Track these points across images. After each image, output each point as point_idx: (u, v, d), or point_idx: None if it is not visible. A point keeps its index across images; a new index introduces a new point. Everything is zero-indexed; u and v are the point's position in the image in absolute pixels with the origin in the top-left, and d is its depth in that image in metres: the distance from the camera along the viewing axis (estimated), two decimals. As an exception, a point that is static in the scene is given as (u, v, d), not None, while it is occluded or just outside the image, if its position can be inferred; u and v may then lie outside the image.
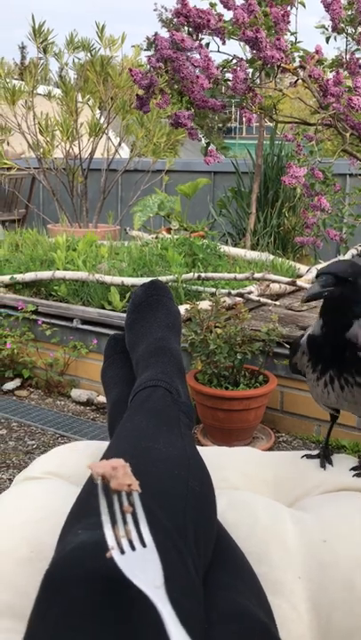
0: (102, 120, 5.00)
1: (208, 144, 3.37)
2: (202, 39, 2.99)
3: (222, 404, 2.25)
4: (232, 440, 2.33)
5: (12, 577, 0.78)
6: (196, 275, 3.03)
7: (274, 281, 3.12)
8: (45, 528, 0.86)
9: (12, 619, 0.73)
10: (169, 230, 4.20)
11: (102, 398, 3.08)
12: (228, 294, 2.90)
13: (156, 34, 3.12)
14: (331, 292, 0.97)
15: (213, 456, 1.17)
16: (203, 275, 3.05)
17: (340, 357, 1.02)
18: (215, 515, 0.85)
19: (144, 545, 0.59)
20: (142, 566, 0.56)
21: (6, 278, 3.41)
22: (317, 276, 0.99)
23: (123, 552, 0.57)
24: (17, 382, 3.23)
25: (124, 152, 5.81)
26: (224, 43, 3.23)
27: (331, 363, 1.05)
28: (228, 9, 3.05)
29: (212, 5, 2.89)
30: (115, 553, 0.57)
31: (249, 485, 1.14)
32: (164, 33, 3.15)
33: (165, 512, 0.69)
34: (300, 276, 3.43)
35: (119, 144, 5.32)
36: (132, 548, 0.58)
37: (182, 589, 0.62)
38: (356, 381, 1.02)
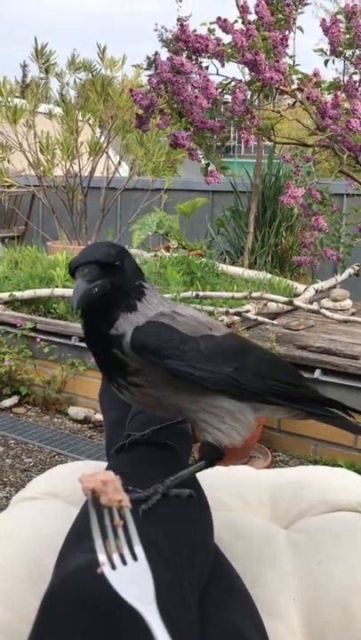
0: (102, 139, 5.05)
1: (208, 164, 3.41)
2: (201, 62, 3.04)
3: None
4: (228, 459, 2.32)
5: (10, 596, 0.79)
6: (195, 293, 3.05)
7: (271, 300, 3.14)
8: (44, 548, 0.86)
9: (12, 638, 0.74)
10: (168, 248, 4.23)
11: (99, 416, 3.08)
12: (226, 313, 2.92)
13: (156, 53, 3.17)
14: (102, 287, 0.81)
15: (208, 475, 1.18)
16: (201, 293, 3.07)
17: (106, 357, 0.88)
18: (212, 535, 0.86)
19: (135, 559, 0.59)
20: (134, 581, 0.56)
21: (5, 295, 3.42)
22: (76, 269, 0.82)
23: (114, 567, 0.58)
24: (14, 399, 3.24)
25: (124, 170, 5.87)
26: (223, 65, 3.29)
27: (101, 363, 0.91)
28: (227, 33, 3.11)
29: (211, 31, 2.95)
30: (106, 569, 0.57)
31: (244, 506, 1.14)
32: (165, 53, 3.20)
33: (161, 532, 0.70)
34: (297, 295, 3.46)
35: (119, 163, 5.37)
36: (124, 562, 0.58)
37: (175, 606, 0.63)
38: (129, 382, 0.87)
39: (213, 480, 1.14)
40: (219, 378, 0.85)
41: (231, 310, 2.94)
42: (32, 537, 0.92)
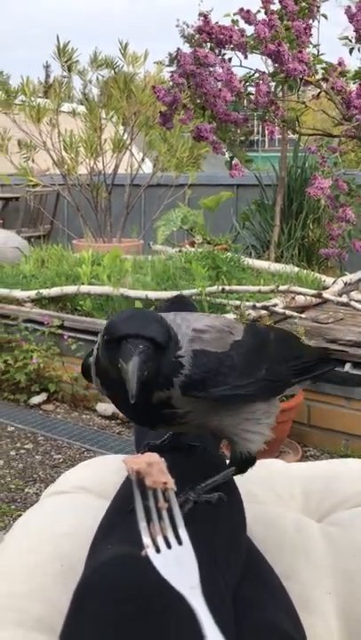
0: (125, 136, 5.06)
1: (232, 158, 3.39)
2: (224, 54, 3.02)
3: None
4: (258, 454, 2.31)
5: (43, 590, 0.79)
6: (220, 287, 3.03)
7: (299, 293, 3.10)
8: (75, 542, 0.86)
9: (46, 632, 0.74)
10: (192, 244, 4.22)
11: (128, 412, 3.08)
12: (253, 307, 2.89)
13: (178, 49, 3.16)
14: (150, 369, 0.69)
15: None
16: (227, 287, 3.05)
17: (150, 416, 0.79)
18: (245, 533, 0.85)
19: (180, 542, 0.58)
20: (178, 565, 0.55)
21: (32, 293, 3.45)
22: (125, 339, 0.69)
23: (158, 550, 0.57)
24: (43, 396, 3.26)
25: (147, 167, 5.87)
26: (246, 57, 3.26)
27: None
28: (250, 24, 3.08)
29: (235, 22, 2.92)
30: (150, 551, 0.56)
31: (276, 499, 1.13)
32: (187, 49, 3.19)
33: (196, 531, 0.69)
34: (325, 288, 3.41)
35: (142, 159, 5.37)
36: (168, 545, 0.58)
37: (214, 595, 0.61)
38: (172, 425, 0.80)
39: (246, 474, 1.12)
40: (259, 387, 0.79)
41: (258, 304, 2.92)
42: (63, 531, 0.92)
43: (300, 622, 0.79)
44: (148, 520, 0.59)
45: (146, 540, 0.57)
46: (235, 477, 0.93)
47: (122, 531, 0.70)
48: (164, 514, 0.59)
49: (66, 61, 4.57)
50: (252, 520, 0.95)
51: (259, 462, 1.26)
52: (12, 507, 2.23)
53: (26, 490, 2.36)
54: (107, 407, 3.12)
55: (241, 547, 0.81)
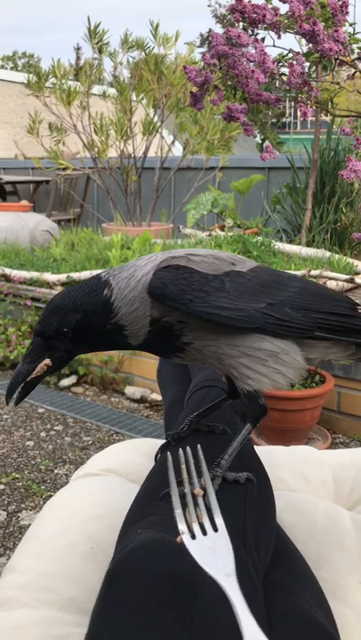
0: (156, 118, 5.02)
1: (263, 140, 3.33)
2: (257, 34, 2.95)
3: (277, 404, 2.22)
4: (287, 440, 2.29)
5: (75, 572, 0.79)
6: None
7: (331, 278, 3.05)
8: (105, 524, 0.86)
9: (77, 613, 0.74)
10: (222, 227, 4.18)
11: (156, 396, 3.09)
12: (283, 292, 2.85)
13: (210, 30, 3.11)
14: (50, 368, 0.79)
15: (269, 456, 1.15)
16: (257, 272, 3.01)
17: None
18: (274, 518, 0.84)
19: (216, 529, 0.58)
20: (213, 552, 0.55)
21: (63, 277, 3.47)
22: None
23: (194, 537, 0.57)
24: (73, 379, 3.29)
25: (177, 150, 5.82)
26: (279, 37, 3.18)
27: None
28: (284, 2, 3.00)
29: (268, 0, 2.85)
30: (185, 538, 0.56)
31: (306, 487, 1.12)
32: (218, 29, 3.13)
33: (225, 515, 0.69)
34: (358, 274, 3.35)
35: (173, 142, 5.32)
36: (204, 532, 0.57)
37: (247, 582, 0.61)
38: (179, 347, 0.83)
39: (275, 460, 1.12)
40: (250, 315, 0.78)
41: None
42: (93, 513, 0.93)
43: (331, 611, 0.78)
44: (184, 507, 0.59)
45: (181, 526, 0.57)
46: (264, 464, 0.92)
47: (152, 516, 0.70)
48: (200, 500, 0.59)
49: (97, 43, 4.54)
50: (283, 507, 0.94)
51: (289, 449, 1.26)
52: (42, 487, 2.26)
53: (55, 471, 2.39)
54: (135, 390, 3.14)
55: (271, 532, 0.80)
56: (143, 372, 3.18)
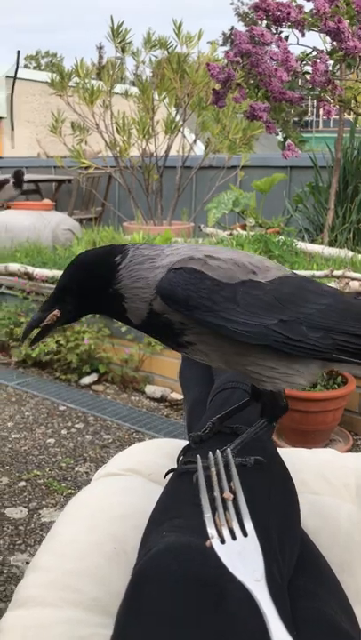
0: (178, 117, 5.02)
1: (285, 138, 3.31)
2: (281, 32, 2.94)
3: (298, 405, 2.21)
4: (308, 442, 2.28)
5: (99, 572, 0.80)
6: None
7: (354, 279, 3.02)
8: (128, 524, 0.87)
9: (101, 614, 0.74)
10: (244, 227, 4.17)
11: (176, 395, 3.09)
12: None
13: (232, 28, 3.11)
14: (58, 319, 0.83)
15: (292, 458, 1.14)
16: (279, 272, 3.00)
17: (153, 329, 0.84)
18: (299, 522, 0.83)
19: (245, 534, 0.57)
20: (242, 557, 0.55)
21: (84, 275, 3.48)
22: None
23: (223, 541, 0.57)
24: (93, 377, 3.31)
25: (199, 149, 5.82)
26: (303, 35, 3.16)
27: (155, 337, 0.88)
28: (308, 0, 2.98)
29: (293, -2, 2.83)
30: (215, 542, 0.56)
31: (330, 490, 1.10)
32: (241, 27, 3.12)
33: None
34: (380, 274, 3.31)
35: (194, 141, 5.32)
36: (233, 537, 0.57)
37: (274, 589, 0.61)
38: (179, 342, 0.82)
39: (297, 462, 1.11)
40: (258, 331, 0.75)
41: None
42: (115, 514, 0.93)
43: (354, 615, 0.78)
44: (213, 510, 0.59)
45: (211, 530, 0.57)
46: (288, 467, 0.92)
47: (177, 519, 0.70)
48: (230, 505, 0.59)
49: (120, 42, 4.55)
50: (306, 511, 0.94)
51: (311, 452, 1.25)
52: (63, 485, 2.28)
53: (76, 469, 2.40)
54: (155, 389, 3.14)
55: (296, 537, 0.80)
56: (163, 370, 3.18)
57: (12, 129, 11.67)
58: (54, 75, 4.91)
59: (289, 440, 2.36)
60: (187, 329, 0.78)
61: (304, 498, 0.99)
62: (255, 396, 0.92)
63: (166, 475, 0.86)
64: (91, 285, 0.82)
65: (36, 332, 0.84)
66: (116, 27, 4.56)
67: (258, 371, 0.80)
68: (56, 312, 0.83)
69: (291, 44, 3.05)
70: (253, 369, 0.80)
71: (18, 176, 6.09)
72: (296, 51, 3.09)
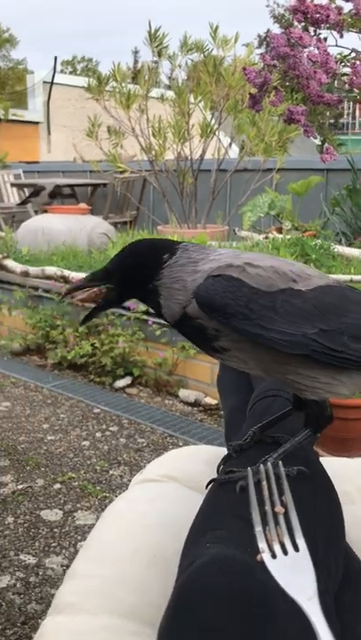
0: (213, 121, 5.01)
1: (323, 141, 3.27)
2: (319, 34, 2.90)
3: (338, 412, 2.16)
4: (346, 450, 2.24)
5: (136, 580, 0.79)
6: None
7: (392, 283, 2.96)
8: (165, 532, 0.86)
9: (138, 622, 0.74)
10: (280, 230, 4.13)
11: (210, 400, 3.08)
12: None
13: (268, 31, 3.07)
14: (100, 299, 0.86)
15: (333, 467, 1.12)
16: (315, 276, 2.96)
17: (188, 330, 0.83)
18: (343, 534, 0.81)
19: (297, 549, 0.56)
20: (294, 572, 0.54)
21: (119, 278, 3.50)
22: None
23: (274, 556, 0.55)
24: (127, 380, 3.32)
25: (233, 152, 5.80)
26: (342, 36, 3.12)
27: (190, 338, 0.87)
28: (347, 0, 2.94)
29: (332, 0, 2.79)
30: (266, 557, 0.55)
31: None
32: (277, 29, 3.10)
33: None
34: None
35: (230, 144, 5.30)
36: (285, 552, 0.56)
37: (326, 606, 0.59)
38: (214, 347, 0.81)
39: (339, 472, 1.08)
40: (297, 341, 0.74)
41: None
42: (153, 521, 0.92)
43: None
44: (264, 524, 0.57)
45: (262, 544, 0.56)
46: (330, 476, 0.90)
47: (219, 530, 0.68)
48: (281, 519, 0.58)
49: (156, 46, 4.57)
50: (349, 522, 0.91)
51: (352, 461, 1.22)
52: (98, 488, 2.28)
53: (110, 472, 2.41)
54: (189, 393, 3.13)
55: (341, 550, 0.78)
56: (197, 375, 3.17)
57: (49, 134, 11.84)
58: (91, 79, 4.96)
59: (328, 448, 2.32)
60: (221, 335, 0.78)
61: (347, 509, 0.96)
62: (297, 406, 0.90)
63: (208, 485, 0.84)
64: (134, 275, 0.84)
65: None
66: (153, 31, 4.58)
67: (299, 380, 0.79)
68: (98, 290, 0.85)
69: (329, 45, 3.01)
70: (294, 378, 0.79)
71: (55, 190, 6.25)
72: (333, 52, 3.05)
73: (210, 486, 0.84)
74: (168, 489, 1.04)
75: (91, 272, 0.87)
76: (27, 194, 7.04)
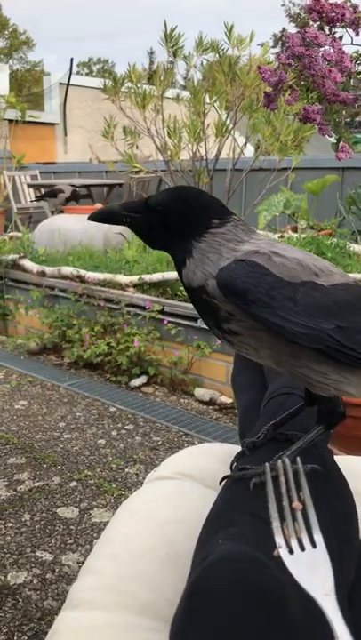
0: (228, 120, 5.00)
1: (339, 139, 3.26)
2: (335, 32, 2.89)
3: (351, 411, 2.16)
4: (360, 449, 2.23)
5: (151, 576, 0.80)
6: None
7: None
8: (180, 530, 0.87)
9: (153, 619, 0.75)
10: (295, 229, 4.12)
11: (225, 398, 3.09)
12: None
13: (283, 30, 3.07)
14: (133, 219, 0.82)
15: (347, 465, 1.12)
16: (331, 275, 2.95)
17: (199, 303, 0.82)
18: (358, 531, 0.81)
19: (314, 545, 0.56)
20: (311, 568, 0.54)
21: (135, 278, 3.52)
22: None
23: (291, 552, 0.56)
24: (143, 379, 3.33)
25: (249, 152, 5.78)
26: (358, 34, 3.10)
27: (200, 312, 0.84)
28: (363, -2, 2.92)
29: (348, -3, 2.78)
30: (283, 552, 0.55)
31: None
32: (292, 28, 3.08)
33: None
34: None
35: (245, 144, 5.29)
36: (302, 548, 0.56)
37: (342, 603, 0.60)
38: (224, 329, 0.80)
39: (352, 470, 1.08)
40: (314, 335, 0.74)
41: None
42: (167, 518, 0.93)
43: None
44: (282, 520, 0.58)
45: (279, 539, 0.56)
46: (344, 475, 0.90)
47: (232, 527, 0.69)
48: (299, 515, 0.58)
49: (172, 47, 4.58)
50: (362, 520, 0.91)
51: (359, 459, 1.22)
52: (113, 486, 2.30)
53: (126, 470, 2.42)
54: (204, 392, 3.14)
55: (354, 547, 0.78)
56: (212, 374, 3.17)
57: (65, 135, 11.90)
58: (107, 80, 4.98)
59: (341, 447, 2.32)
60: (233, 319, 0.77)
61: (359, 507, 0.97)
62: (309, 402, 0.91)
63: (221, 481, 0.85)
64: (175, 223, 0.81)
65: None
66: (168, 32, 4.58)
67: (308, 374, 0.79)
68: (135, 215, 0.82)
69: (345, 43, 3.00)
70: (304, 372, 0.79)
71: (73, 194, 6.30)
72: (349, 50, 3.04)
73: (223, 483, 0.85)
74: (183, 486, 1.04)
75: (127, 201, 0.84)
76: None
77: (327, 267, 0.81)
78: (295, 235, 3.79)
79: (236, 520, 0.71)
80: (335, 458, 1.06)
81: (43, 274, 3.98)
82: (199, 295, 0.79)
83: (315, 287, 0.76)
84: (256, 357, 0.82)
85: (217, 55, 4.75)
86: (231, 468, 0.91)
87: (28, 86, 26.14)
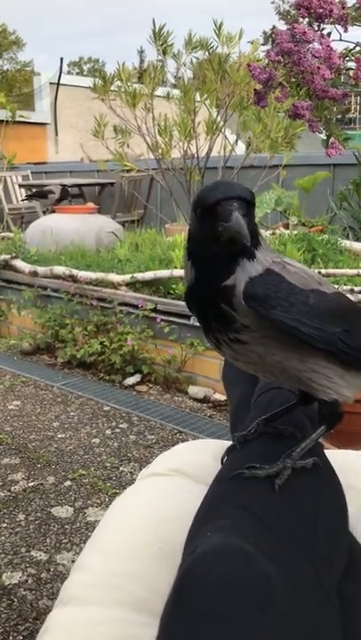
0: (219, 118, 5.00)
1: (329, 136, 3.26)
2: (323, 29, 2.89)
3: (344, 407, 2.17)
4: (354, 443, 2.24)
5: (145, 572, 0.80)
6: (317, 271, 2.94)
7: None
8: (173, 526, 0.87)
9: (147, 614, 0.75)
10: (286, 226, 4.13)
11: (219, 396, 3.09)
12: (351, 291, 2.80)
13: (273, 27, 3.07)
14: (251, 226, 0.78)
15: (338, 460, 1.13)
16: (323, 271, 2.96)
17: (210, 311, 0.81)
18: (347, 525, 0.82)
19: None
20: None
21: (127, 277, 3.51)
22: (218, 203, 0.75)
23: None
24: (137, 378, 3.33)
25: (240, 149, 5.79)
26: (346, 30, 3.11)
27: (202, 316, 0.84)
28: (351, -6, 2.93)
29: (335, -7, 2.79)
30: None
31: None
32: (282, 25, 3.09)
33: (298, 523, 0.67)
34: None
35: (236, 141, 5.29)
36: None
37: (316, 591, 0.60)
38: (232, 338, 0.81)
39: (344, 465, 1.09)
40: (327, 337, 0.79)
41: (356, 288, 2.81)
42: (160, 514, 0.93)
43: None
44: None
45: None
46: (335, 469, 0.90)
47: (221, 519, 0.69)
48: None
49: (161, 45, 4.57)
50: (353, 514, 0.92)
51: (358, 454, 1.23)
52: (108, 484, 2.30)
53: (121, 468, 2.42)
54: (198, 390, 3.14)
55: (344, 541, 0.78)
56: (206, 371, 3.18)
57: (56, 134, 11.87)
58: (97, 79, 4.97)
59: (334, 441, 2.32)
60: (245, 331, 0.79)
61: (353, 501, 0.97)
62: (303, 401, 0.93)
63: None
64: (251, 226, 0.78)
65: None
66: (157, 29, 4.58)
67: (313, 378, 0.83)
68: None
69: (333, 40, 3.00)
70: (310, 376, 0.83)
71: (63, 193, 6.30)
72: (339, 47, 3.04)
73: (213, 477, 0.85)
74: (176, 483, 1.05)
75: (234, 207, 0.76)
76: (34, 195, 7.08)
77: (322, 278, 0.88)
78: (287, 231, 3.79)
79: (227, 513, 0.71)
80: (328, 452, 1.07)
81: (35, 274, 3.97)
82: (217, 302, 0.79)
83: (321, 294, 0.82)
84: (257, 365, 0.85)
85: (207, 53, 4.75)
86: (222, 462, 0.92)
87: (18, 86, 26.04)
